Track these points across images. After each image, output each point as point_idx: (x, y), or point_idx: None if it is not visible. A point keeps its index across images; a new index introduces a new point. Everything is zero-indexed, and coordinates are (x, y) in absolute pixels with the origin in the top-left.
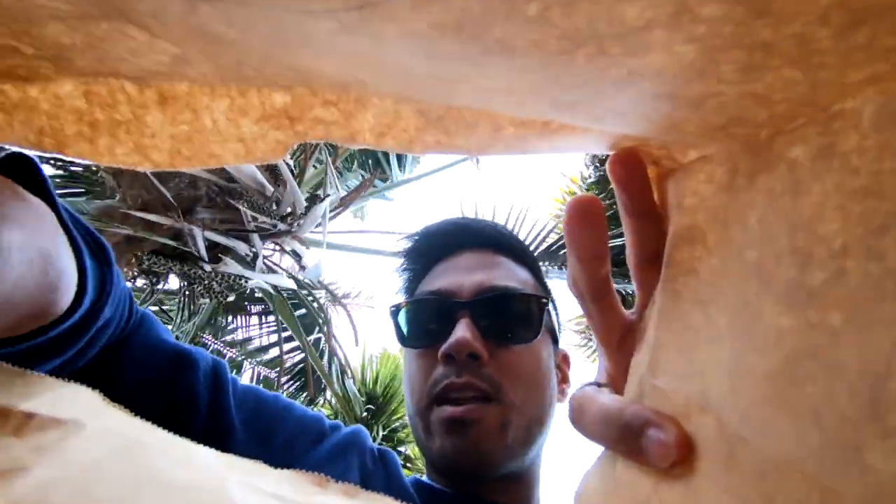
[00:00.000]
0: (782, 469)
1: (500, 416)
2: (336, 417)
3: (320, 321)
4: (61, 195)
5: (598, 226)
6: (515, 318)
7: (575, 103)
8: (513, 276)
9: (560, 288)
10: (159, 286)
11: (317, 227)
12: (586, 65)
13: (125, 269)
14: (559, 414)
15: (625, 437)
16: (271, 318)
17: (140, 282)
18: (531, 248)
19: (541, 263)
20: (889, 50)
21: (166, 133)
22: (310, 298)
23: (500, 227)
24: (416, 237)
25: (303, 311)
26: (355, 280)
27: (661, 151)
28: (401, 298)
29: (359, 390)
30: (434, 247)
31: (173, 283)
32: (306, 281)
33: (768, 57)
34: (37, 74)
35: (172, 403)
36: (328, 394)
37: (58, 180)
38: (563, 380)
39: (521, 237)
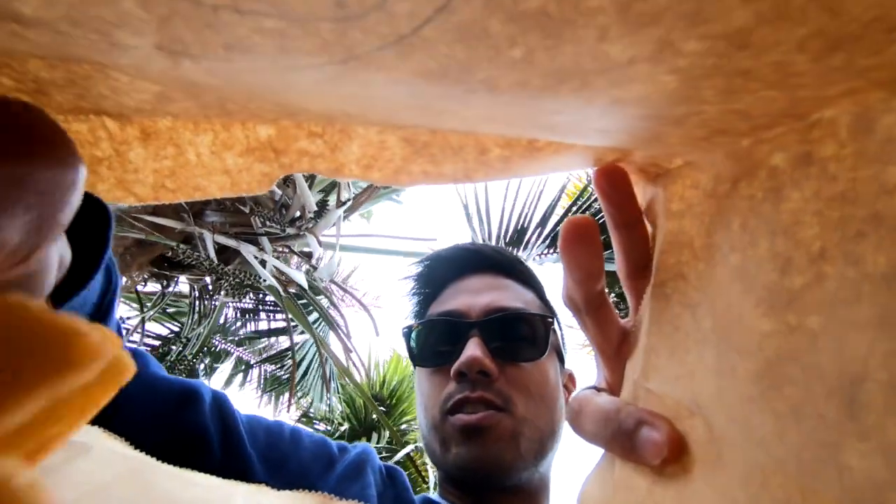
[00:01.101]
0: (766, 470)
1: (513, 426)
2: (345, 419)
3: (331, 319)
4: None
5: (593, 245)
6: (523, 337)
7: (559, 125)
8: (519, 297)
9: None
10: (169, 289)
11: (332, 226)
12: (570, 96)
13: (136, 273)
14: (568, 431)
15: (619, 436)
16: (280, 316)
17: (151, 286)
18: (542, 234)
19: (549, 250)
20: (866, 68)
21: (149, 168)
22: (324, 302)
23: (506, 251)
24: (426, 262)
25: (315, 315)
26: (365, 281)
27: (646, 160)
28: (412, 321)
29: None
30: (443, 271)
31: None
32: (319, 280)
33: (747, 82)
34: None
35: (182, 442)
36: (331, 396)
37: None
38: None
39: (533, 224)
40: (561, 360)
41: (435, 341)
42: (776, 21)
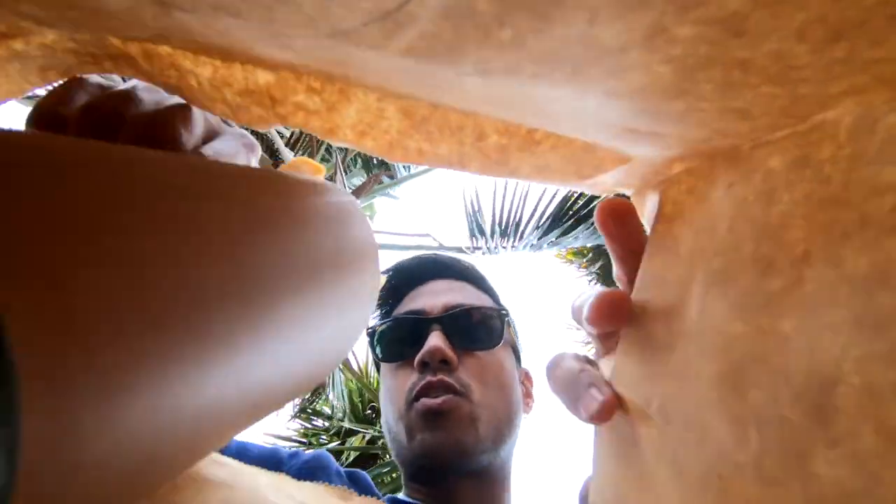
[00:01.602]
0: (724, 476)
1: (471, 410)
2: (343, 416)
3: None
4: None
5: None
6: (479, 329)
7: (557, 113)
8: (475, 297)
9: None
10: None
11: None
12: (564, 84)
13: None
14: (526, 426)
15: (572, 390)
16: None
17: None
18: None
19: (544, 237)
20: (869, 62)
21: (154, 84)
22: None
23: (463, 260)
24: (391, 272)
25: None
26: None
27: (647, 167)
28: (377, 324)
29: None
30: (406, 279)
31: None
32: None
33: (746, 75)
34: (19, 30)
35: None
36: (328, 392)
37: None
38: (527, 394)
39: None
40: (517, 357)
41: (399, 338)
42: (773, 4)
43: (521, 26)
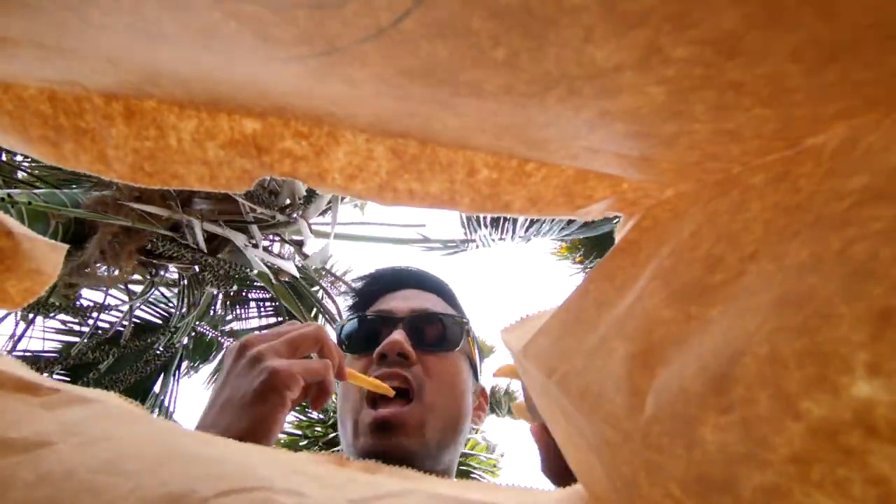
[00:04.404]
0: (612, 444)
1: (420, 415)
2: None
3: (324, 307)
4: (56, 183)
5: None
6: (440, 332)
7: (548, 141)
8: (441, 306)
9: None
10: (157, 278)
11: (321, 214)
12: (558, 105)
13: (124, 262)
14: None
15: None
16: (270, 305)
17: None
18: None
19: (528, 231)
20: (861, 84)
21: (129, 147)
22: (315, 289)
23: (433, 274)
24: (368, 278)
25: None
26: (356, 268)
27: (637, 191)
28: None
29: None
30: (381, 285)
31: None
32: (313, 266)
33: (739, 97)
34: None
35: None
36: None
37: (53, 170)
38: (479, 408)
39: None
40: (474, 371)
41: (365, 333)
42: (767, 25)
43: (515, 45)
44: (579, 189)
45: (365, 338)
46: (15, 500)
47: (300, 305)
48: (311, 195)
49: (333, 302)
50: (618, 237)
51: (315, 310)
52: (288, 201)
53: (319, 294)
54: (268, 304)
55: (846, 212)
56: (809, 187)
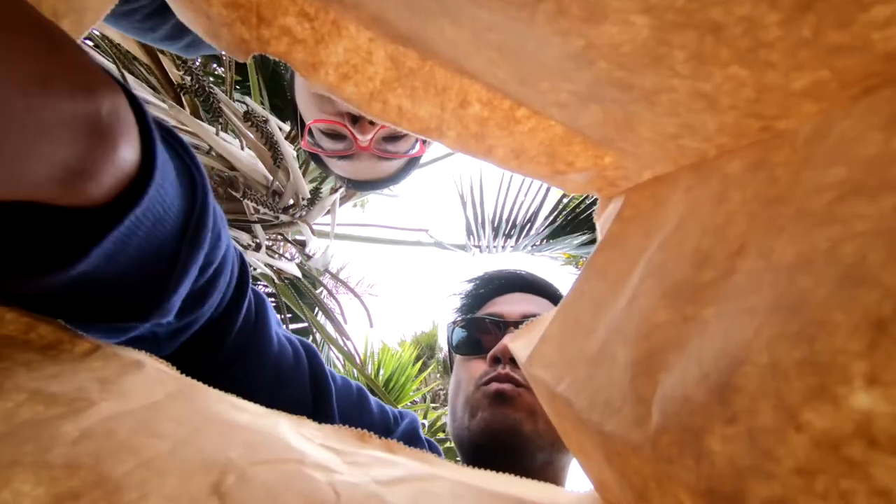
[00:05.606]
0: (623, 455)
1: (532, 402)
2: None
3: (326, 308)
4: None
5: None
6: None
7: (540, 78)
8: (550, 310)
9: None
10: None
11: (325, 214)
12: (546, 27)
13: None
14: None
15: None
16: (271, 301)
17: None
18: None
19: (543, 242)
20: (832, 50)
21: None
22: (318, 290)
23: (542, 278)
24: (477, 281)
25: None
26: (358, 269)
27: (618, 172)
28: (457, 319)
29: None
30: (491, 287)
31: None
32: (314, 269)
33: (718, 45)
34: None
35: (290, 397)
36: None
37: None
38: None
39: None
40: None
41: (477, 335)
42: None
43: None
44: (563, 152)
45: (476, 341)
46: (60, 454)
47: (301, 303)
48: (314, 197)
49: (336, 301)
50: (598, 225)
51: (316, 308)
52: (291, 201)
53: (321, 293)
54: (270, 300)
55: (828, 206)
56: (787, 177)
